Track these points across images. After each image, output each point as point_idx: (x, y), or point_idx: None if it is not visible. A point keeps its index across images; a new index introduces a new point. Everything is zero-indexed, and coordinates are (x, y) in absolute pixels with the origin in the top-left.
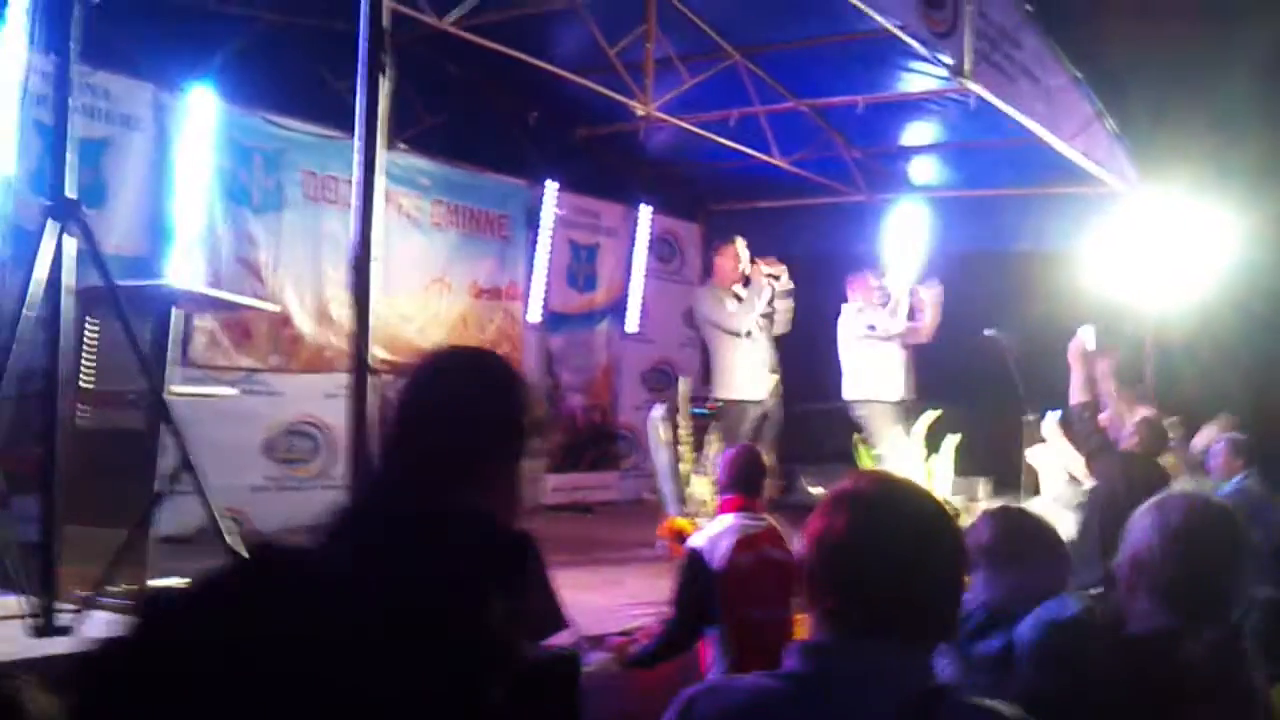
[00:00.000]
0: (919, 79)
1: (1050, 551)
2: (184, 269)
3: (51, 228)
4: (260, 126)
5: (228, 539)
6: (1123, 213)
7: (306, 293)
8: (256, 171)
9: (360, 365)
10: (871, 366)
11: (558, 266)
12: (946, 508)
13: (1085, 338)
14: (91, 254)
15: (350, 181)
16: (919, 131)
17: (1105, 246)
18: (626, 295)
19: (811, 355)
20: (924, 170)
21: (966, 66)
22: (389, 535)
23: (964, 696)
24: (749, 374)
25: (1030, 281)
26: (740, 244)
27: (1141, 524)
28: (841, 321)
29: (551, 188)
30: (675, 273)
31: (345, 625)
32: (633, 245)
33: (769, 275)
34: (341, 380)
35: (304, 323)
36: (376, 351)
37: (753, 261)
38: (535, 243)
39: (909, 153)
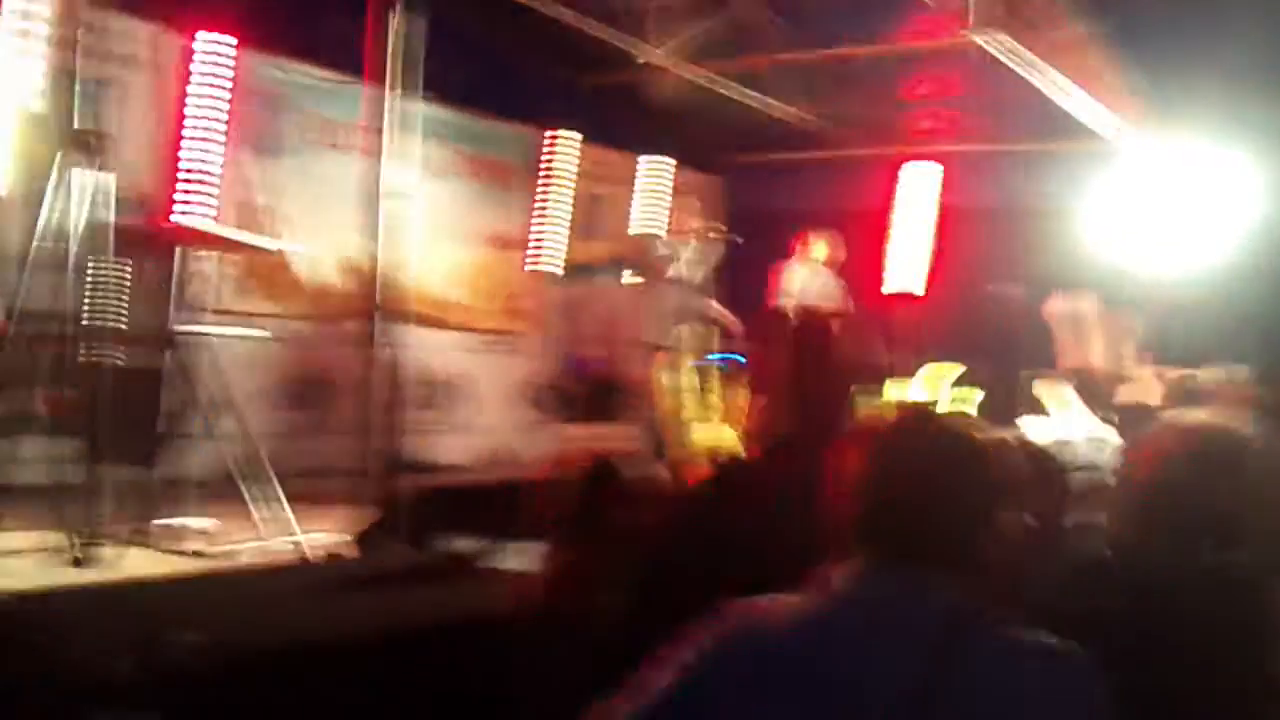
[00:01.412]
0: (923, 30)
1: None
2: (191, 211)
3: (60, 160)
4: (267, 70)
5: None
6: (1129, 166)
7: (319, 238)
8: (264, 115)
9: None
10: None
11: (574, 217)
12: (979, 438)
13: (1076, 301)
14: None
15: (358, 127)
16: (922, 84)
17: (1110, 202)
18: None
19: None
20: (927, 124)
21: (971, 17)
22: None
23: (1001, 622)
24: None
25: (1035, 239)
26: None
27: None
28: None
29: (568, 137)
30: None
31: None
32: (644, 196)
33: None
34: (347, 328)
35: (305, 270)
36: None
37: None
38: (549, 192)
39: (911, 106)
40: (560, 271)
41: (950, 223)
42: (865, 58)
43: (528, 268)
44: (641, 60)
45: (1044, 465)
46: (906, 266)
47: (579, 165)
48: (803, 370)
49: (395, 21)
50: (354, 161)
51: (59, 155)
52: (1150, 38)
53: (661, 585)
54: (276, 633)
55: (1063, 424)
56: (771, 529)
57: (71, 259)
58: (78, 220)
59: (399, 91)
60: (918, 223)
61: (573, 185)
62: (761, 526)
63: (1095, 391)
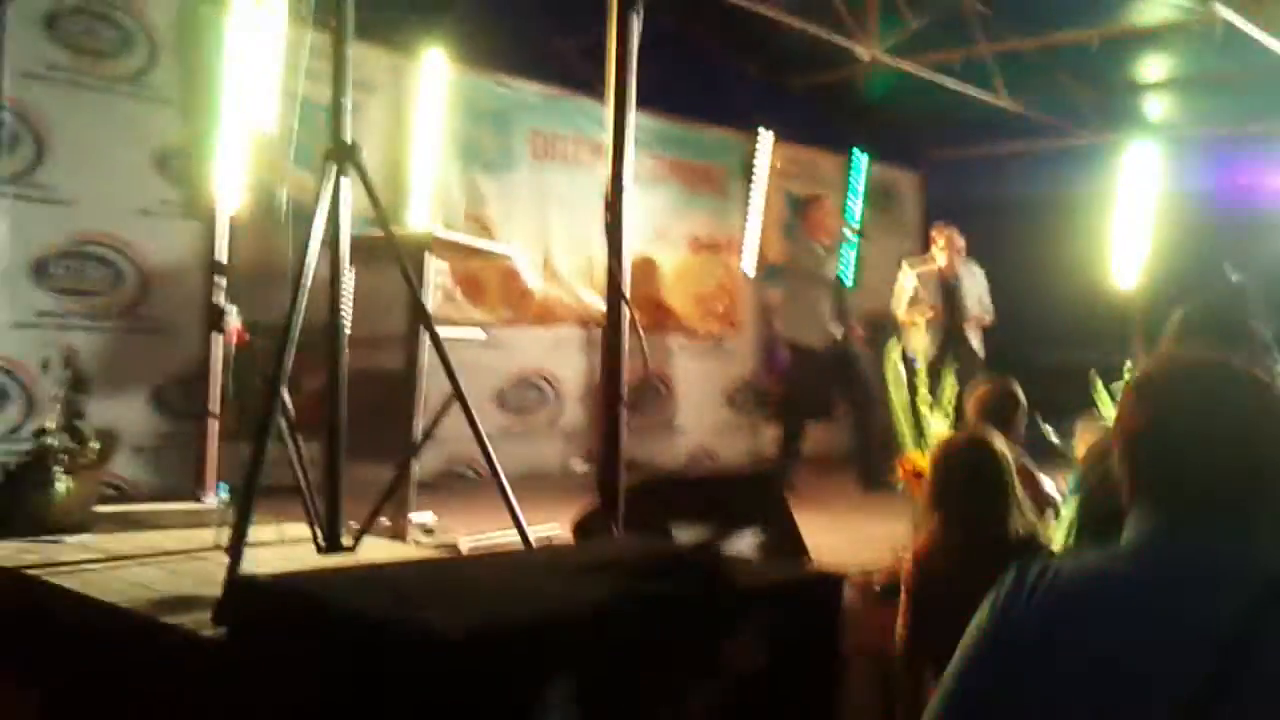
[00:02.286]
0: (1156, 9)
1: None
2: (418, 225)
3: (329, 170)
4: (489, 88)
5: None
6: None
7: (534, 248)
8: (486, 131)
9: (616, 306)
10: None
11: (774, 218)
12: (1269, 385)
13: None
14: (370, 196)
15: (572, 140)
16: (1155, 65)
17: None
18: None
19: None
20: (1159, 107)
21: None
22: None
23: None
24: None
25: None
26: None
27: None
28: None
29: (767, 138)
30: (894, 222)
31: None
32: (849, 195)
33: None
34: (566, 333)
35: (531, 277)
36: (599, 304)
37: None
38: (751, 195)
39: (1143, 89)
40: (763, 273)
41: (1185, 209)
42: (1091, 42)
43: (740, 269)
44: (867, 57)
45: None
46: (1135, 255)
47: (783, 166)
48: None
49: (632, 33)
50: (574, 172)
51: (333, 167)
52: None
53: None
54: (548, 606)
55: None
56: None
57: (341, 267)
58: (339, 231)
59: (630, 101)
60: (1145, 209)
61: (779, 187)
62: None
63: None
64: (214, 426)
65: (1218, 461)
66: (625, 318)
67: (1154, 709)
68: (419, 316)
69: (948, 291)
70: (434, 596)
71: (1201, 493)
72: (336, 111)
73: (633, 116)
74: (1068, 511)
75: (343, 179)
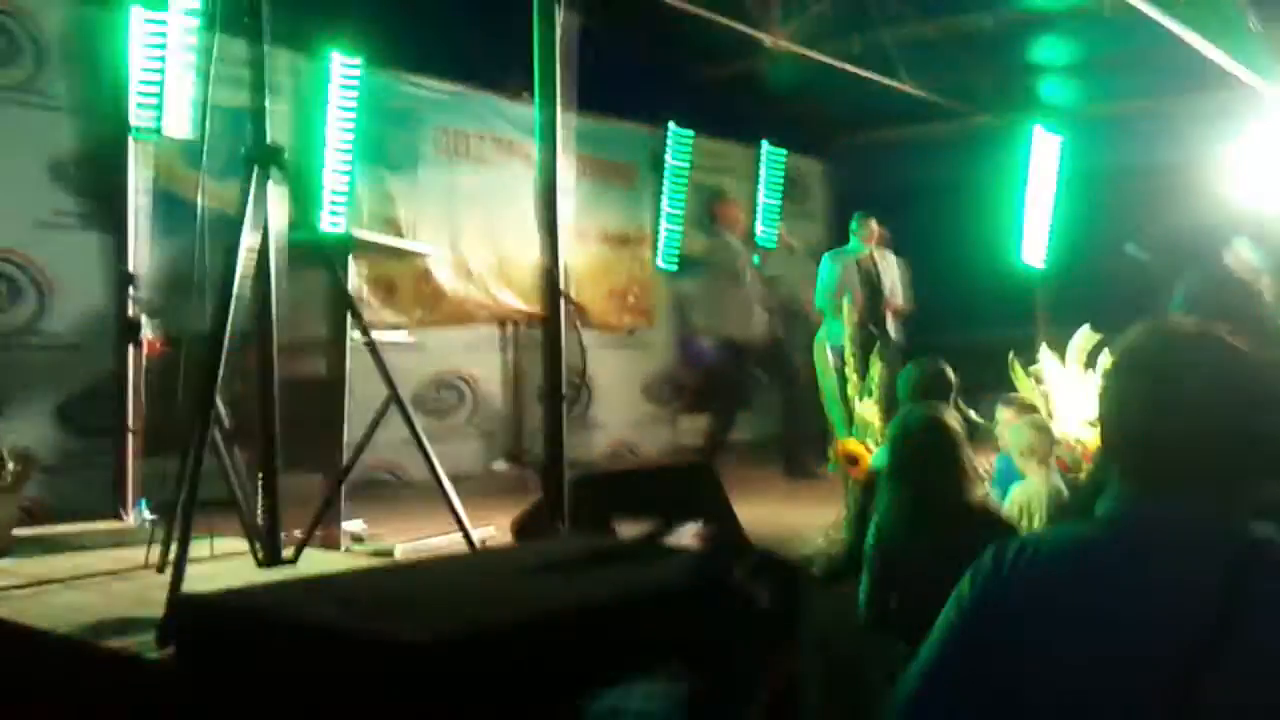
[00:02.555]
0: None
1: None
2: (332, 228)
3: (253, 174)
4: (394, 86)
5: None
6: (1268, 114)
7: (445, 248)
8: (392, 130)
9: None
10: None
11: (686, 211)
12: (1243, 353)
13: (1240, 250)
14: (294, 199)
15: (480, 137)
16: (1050, 47)
17: (1248, 152)
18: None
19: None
20: (1055, 88)
21: None
22: None
23: None
24: None
25: (1175, 195)
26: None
27: None
28: None
29: (676, 130)
30: (802, 211)
31: None
32: (759, 185)
33: None
34: (483, 332)
35: (445, 277)
36: (514, 303)
37: None
38: (669, 188)
39: (1040, 71)
40: (676, 267)
41: (1084, 185)
42: (991, 26)
43: (652, 262)
44: (770, 44)
45: None
46: (1040, 233)
47: (693, 159)
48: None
49: (561, 30)
50: (483, 170)
51: (256, 171)
52: None
53: None
54: (504, 611)
55: None
56: None
57: (270, 272)
58: (267, 236)
59: (557, 97)
60: (1048, 189)
61: (690, 179)
62: None
63: None
64: (133, 442)
65: (1188, 430)
66: (564, 315)
67: (1141, 682)
68: (355, 321)
69: (869, 279)
70: (399, 605)
71: (1173, 461)
72: (257, 114)
73: (559, 112)
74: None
75: (270, 185)
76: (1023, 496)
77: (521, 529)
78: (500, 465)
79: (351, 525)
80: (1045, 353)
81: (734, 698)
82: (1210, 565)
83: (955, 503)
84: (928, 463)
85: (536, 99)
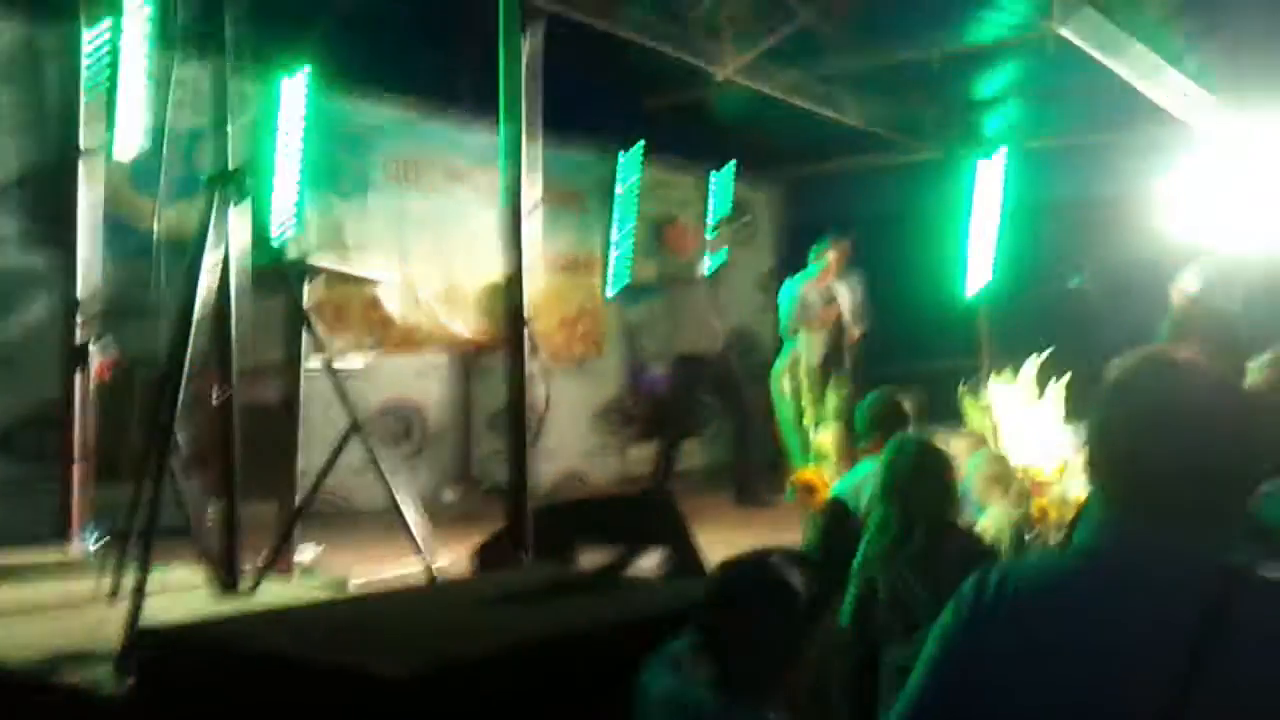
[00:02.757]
0: (992, 27)
1: None
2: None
3: (215, 198)
4: (345, 111)
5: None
6: (1206, 148)
7: (394, 275)
8: (342, 155)
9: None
10: None
11: (636, 238)
12: (1231, 386)
13: (1189, 280)
14: (256, 223)
15: (431, 163)
16: (994, 81)
17: (1189, 185)
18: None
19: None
20: (1000, 122)
21: (1055, 10)
22: None
23: (1264, 576)
24: None
25: (1113, 227)
26: None
27: None
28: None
29: (626, 158)
30: (750, 239)
31: None
32: (707, 214)
33: None
34: (433, 360)
35: (393, 305)
36: (463, 331)
37: None
38: (611, 215)
39: (984, 105)
40: (626, 295)
41: (1025, 218)
42: (937, 59)
43: (600, 290)
44: (720, 77)
45: None
46: (983, 264)
47: (641, 187)
48: None
49: (526, 53)
50: (432, 197)
51: (215, 195)
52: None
53: None
54: (471, 643)
55: None
56: None
57: (231, 297)
58: (228, 259)
59: (523, 122)
60: (991, 220)
61: (639, 206)
62: None
63: None
64: (81, 470)
65: (1177, 457)
66: (527, 344)
67: (1123, 711)
68: (315, 346)
69: (828, 304)
70: (369, 637)
71: (1160, 489)
72: (220, 136)
73: (525, 139)
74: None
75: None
76: (991, 526)
77: (483, 558)
78: (449, 495)
79: (303, 554)
80: (994, 383)
81: (769, 681)
82: (1191, 593)
83: (942, 524)
84: (919, 484)
85: (501, 123)
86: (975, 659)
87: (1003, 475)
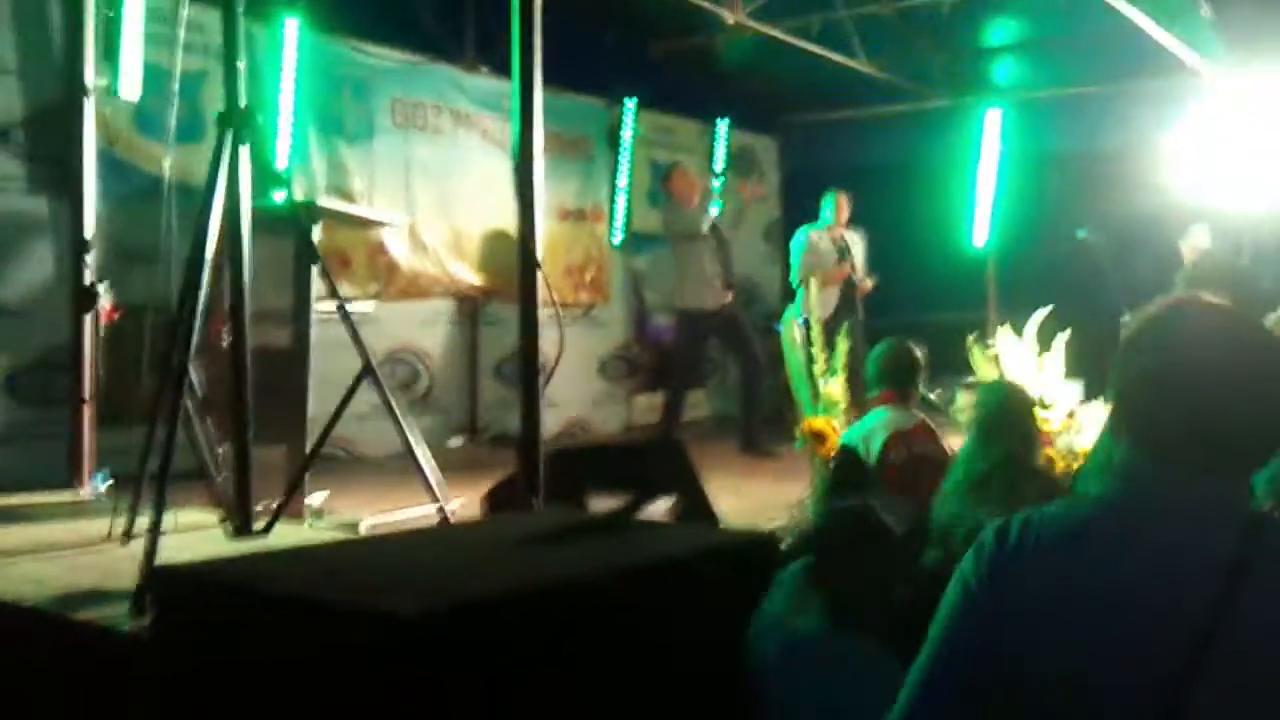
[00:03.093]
0: None
1: None
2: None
3: (225, 137)
4: (348, 55)
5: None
6: (1216, 100)
7: (402, 218)
8: (346, 100)
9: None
10: None
11: (639, 186)
12: (1266, 333)
13: (1198, 236)
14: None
15: (436, 108)
16: (1003, 29)
17: (1196, 137)
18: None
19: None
20: (1008, 71)
21: None
22: None
23: None
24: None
25: (1121, 179)
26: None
27: None
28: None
29: (630, 106)
30: (755, 188)
31: None
32: (712, 161)
33: None
34: (438, 307)
35: (399, 250)
36: (468, 277)
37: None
38: (617, 163)
39: (993, 53)
40: (631, 243)
41: (1032, 170)
42: (947, 4)
43: (606, 238)
44: (731, 20)
45: None
46: (991, 216)
47: (646, 134)
48: None
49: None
50: (437, 141)
51: (228, 134)
52: None
53: None
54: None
55: None
56: None
57: (241, 240)
58: (238, 201)
59: (536, 71)
60: (991, 171)
61: (643, 154)
62: None
63: None
64: (90, 413)
65: (1204, 401)
66: (540, 290)
67: (1161, 642)
68: (329, 290)
69: (840, 255)
70: (383, 577)
71: (1186, 432)
72: (230, 75)
73: (539, 87)
74: None
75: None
76: None
77: (494, 502)
78: (455, 441)
79: (313, 498)
80: (1002, 334)
81: (869, 611)
82: (1219, 541)
83: (1025, 465)
84: (1005, 425)
85: (515, 76)
86: (995, 609)
87: None
